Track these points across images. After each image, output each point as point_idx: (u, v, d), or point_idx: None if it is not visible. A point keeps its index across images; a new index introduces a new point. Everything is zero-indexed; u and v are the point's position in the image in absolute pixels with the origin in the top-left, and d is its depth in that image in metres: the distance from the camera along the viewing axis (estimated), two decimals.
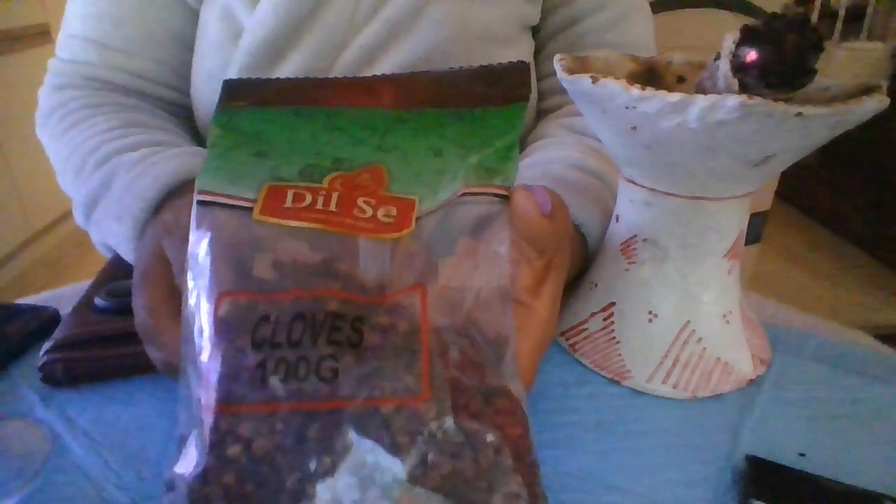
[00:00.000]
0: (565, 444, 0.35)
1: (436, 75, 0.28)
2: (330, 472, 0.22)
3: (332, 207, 0.25)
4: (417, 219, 0.26)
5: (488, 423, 0.23)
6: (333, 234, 0.25)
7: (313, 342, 0.23)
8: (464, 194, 0.26)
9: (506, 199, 0.26)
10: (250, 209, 0.25)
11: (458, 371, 0.24)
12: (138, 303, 0.29)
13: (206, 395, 0.23)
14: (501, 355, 0.25)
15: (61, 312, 0.45)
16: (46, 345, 0.39)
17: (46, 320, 0.44)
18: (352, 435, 0.22)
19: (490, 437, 0.23)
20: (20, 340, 0.42)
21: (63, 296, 0.48)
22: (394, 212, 0.26)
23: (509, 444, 0.23)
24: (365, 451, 0.22)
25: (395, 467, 0.22)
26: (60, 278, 2.10)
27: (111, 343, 0.39)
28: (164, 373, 0.30)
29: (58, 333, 0.40)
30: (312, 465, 0.22)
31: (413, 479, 0.22)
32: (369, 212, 0.25)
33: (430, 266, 0.25)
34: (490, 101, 0.28)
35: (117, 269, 0.46)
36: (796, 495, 0.31)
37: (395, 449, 0.22)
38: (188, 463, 0.22)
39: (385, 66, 0.52)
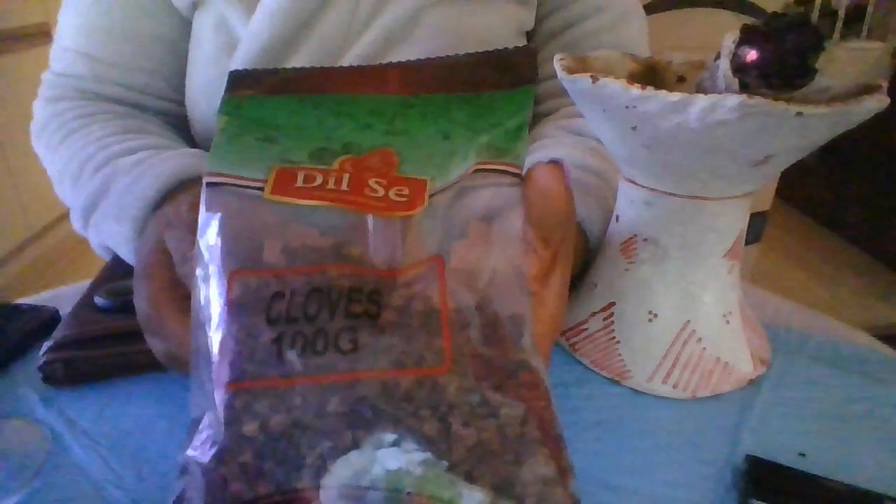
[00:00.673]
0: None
1: (442, 61, 0.28)
2: (351, 447, 0.21)
3: (344, 187, 0.25)
4: (431, 196, 0.25)
5: (512, 395, 0.23)
6: (344, 215, 0.25)
7: (331, 315, 0.23)
8: (476, 171, 0.26)
9: (516, 177, 0.26)
10: (260, 190, 0.25)
11: (479, 345, 0.23)
12: (140, 294, 0.29)
13: (220, 373, 0.22)
14: (519, 332, 0.24)
15: (61, 312, 0.45)
16: (46, 344, 0.39)
17: (46, 320, 0.44)
18: (373, 409, 0.22)
19: (515, 409, 0.22)
20: (20, 340, 0.42)
21: (63, 296, 0.48)
22: (406, 191, 0.25)
23: (534, 417, 0.23)
24: (387, 425, 0.21)
25: (419, 441, 0.21)
26: (60, 278, 2.10)
27: (111, 342, 0.39)
28: (167, 365, 0.30)
29: (58, 333, 0.40)
30: (333, 441, 0.21)
31: (438, 453, 0.21)
32: (381, 191, 0.25)
33: (444, 245, 0.25)
34: (497, 85, 0.28)
35: (117, 269, 0.46)
36: (796, 495, 0.31)
37: (418, 422, 0.22)
38: (202, 445, 0.22)
39: None
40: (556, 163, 0.27)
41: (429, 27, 0.52)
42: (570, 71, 0.35)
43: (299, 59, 0.51)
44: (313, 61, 0.51)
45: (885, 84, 0.33)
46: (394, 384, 0.22)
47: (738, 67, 0.33)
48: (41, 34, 2.22)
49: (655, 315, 0.39)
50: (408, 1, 0.51)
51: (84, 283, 0.47)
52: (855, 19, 2.13)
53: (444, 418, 0.22)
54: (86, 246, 0.51)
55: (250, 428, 0.22)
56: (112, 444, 0.35)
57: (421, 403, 0.22)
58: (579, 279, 0.45)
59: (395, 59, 0.51)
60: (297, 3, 0.49)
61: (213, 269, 0.24)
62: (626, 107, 0.32)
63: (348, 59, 0.52)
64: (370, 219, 0.25)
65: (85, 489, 0.32)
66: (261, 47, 0.50)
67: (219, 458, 0.21)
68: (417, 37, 0.52)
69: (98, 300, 0.42)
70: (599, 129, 0.38)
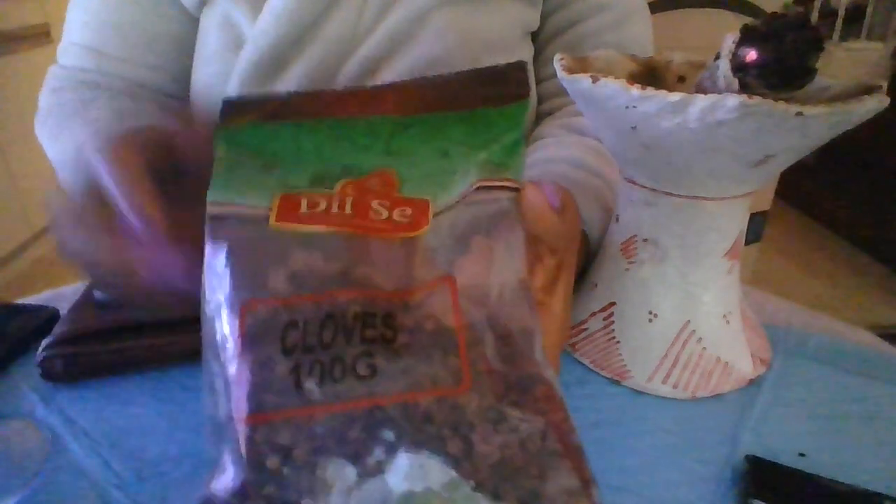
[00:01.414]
0: None
1: (435, 80, 0.29)
2: (375, 472, 0.21)
3: (348, 211, 0.25)
4: (434, 215, 0.26)
5: (531, 409, 0.23)
6: (349, 240, 0.25)
7: (347, 341, 0.23)
8: (478, 188, 0.26)
9: (516, 191, 0.27)
10: (265, 218, 0.25)
11: (494, 362, 0.23)
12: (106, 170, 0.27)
13: (238, 407, 0.22)
14: (531, 346, 0.24)
15: (61, 312, 0.45)
16: (46, 341, 0.39)
17: (46, 320, 0.44)
18: (395, 432, 0.22)
19: (535, 424, 0.23)
20: (20, 340, 0.42)
21: (63, 296, 0.48)
22: (409, 212, 0.26)
23: (554, 429, 0.23)
24: (410, 448, 0.22)
25: (442, 461, 0.21)
26: (60, 278, 2.10)
27: (110, 337, 0.39)
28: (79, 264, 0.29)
29: (57, 329, 0.40)
30: (357, 467, 0.21)
31: (463, 473, 0.21)
32: (385, 213, 0.25)
33: (450, 264, 0.25)
34: (491, 101, 0.28)
35: None
36: (796, 495, 0.31)
37: (440, 443, 0.22)
38: (224, 479, 0.22)
39: (388, 76, 0.52)
40: (537, 185, 0.27)
41: (435, 28, 0.52)
42: (570, 71, 0.35)
43: (304, 61, 0.51)
44: (319, 63, 0.51)
45: (885, 84, 0.33)
46: (414, 406, 0.22)
47: (738, 67, 0.33)
48: (41, 35, 2.22)
49: (655, 315, 0.39)
50: (415, 2, 0.51)
51: (84, 283, 0.47)
52: (855, 19, 2.13)
53: (467, 437, 0.22)
54: None
55: (273, 461, 0.22)
56: (112, 444, 0.35)
57: (442, 424, 0.22)
58: (579, 279, 0.45)
59: (401, 60, 0.52)
60: (304, 4, 0.49)
61: (223, 299, 0.24)
62: (626, 107, 0.32)
63: (354, 60, 0.51)
64: (375, 242, 0.25)
65: (85, 489, 0.32)
66: (267, 47, 0.50)
67: (242, 493, 0.21)
68: (424, 38, 0.52)
69: (96, 294, 0.42)
70: (599, 129, 0.38)
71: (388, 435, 0.22)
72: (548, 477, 0.22)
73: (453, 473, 0.21)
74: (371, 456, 0.21)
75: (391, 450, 0.22)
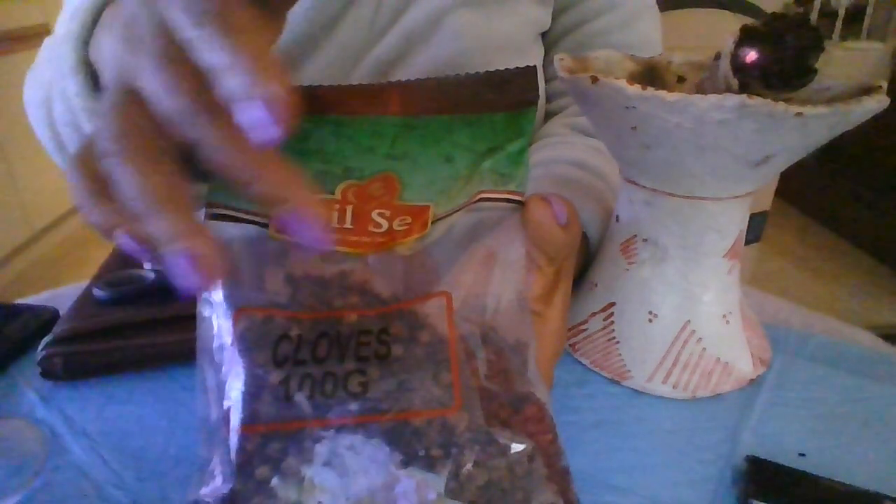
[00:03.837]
0: (565, 444, 0.35)
1: (442, 81, 0.28)
2: (364, 488, 0.21)
3: (348, 224, 0.25)
4: (433, 222, 0.26)
5: (520, 431, 0.23)
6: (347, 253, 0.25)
7: (340, 358, 0.23)
8: (480, 199, 0.26)
9: (519, 204, 0.26)
10: (264, 226, 0.25)
11: (485, 379, 0.23)
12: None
13: (231, 415, 0.22)
14: (524, 361, 0.24)
15: (61, 312, 0.45)
16: (46, 339, 0.39)
17: (46, 320, 0.44)
18: (385, 450, 0.22)
19: (523, 446, 0.23)
20: (20, 340, 0.42)
21: (63, 296, 0.48)
22: (409, 220, 0.26)
23: (541, 452, 0.23)
24: (399, 466, 0.22)
25: (432, 482, 0.22)
26: (60, 278, 2.10)
27: (110, 335, 0.39)
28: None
29: (57, 328, 0.40)
30: (345, 483, 0.21)
31: (450, 493, 0.22)
32: (385, 225, 0.25)
33: (448, 274, 0.25)
34: (498, 106, 0.27)
35: (118, 263, 0.47)
36: (796, 495, 0.31)
37: (429, 463, 0.22)
38: (213, 485, 0.22)
39: (402, 77, 0.51)
40: (544, 199, 0.27)
41: (450, 30, 0.51)
42: (570, 71, 0.35)
43: (318, 61, 0.51)
44: (332, 63, 0.51)
45: (885, 84, 0.33)
46: (404, 425, 0.22)
47: (738, 67, 0.33)
48: (41, 35, 2.22)
49: (655, 315, 0.39)
50: (430, 4, 0.50)
51: (84, 283, 0.47)
52: (855, 19, 2.13)
53: (455, 458, 0.22)
54: (86, 247, 0.50)
55: (262, 471, 0.22)
56: (112, 444, 0.35)
57: (431, 443, 0.22)
58: (579, 279, 0.45)
59: (415, 61, 0.51)
60: (319, 4, 0.49)
61: (219, 302, 0.24)
62: (626, 107, 0.32)
63: (368, 61, 0.51)
64: (373, 258, 0.25)
65: (85, 489, 0.32)
66: (279, 45, 0.49)
67: (231, 501, 0.21)
68: (438, 40, 0.51)
69: (96, 292, 0.42)
70: (599, 129, 0.38)
71: (378, 452, 0.22)
72: (532, 499, 0.22)
73: (441, 493, 0.22)
74: (359, 472, 0.22)
75: (380, 467, 0.22)
